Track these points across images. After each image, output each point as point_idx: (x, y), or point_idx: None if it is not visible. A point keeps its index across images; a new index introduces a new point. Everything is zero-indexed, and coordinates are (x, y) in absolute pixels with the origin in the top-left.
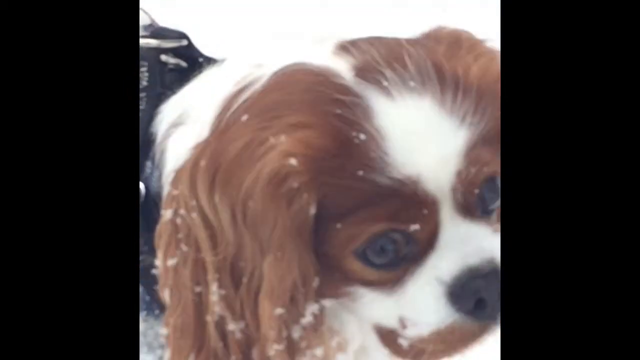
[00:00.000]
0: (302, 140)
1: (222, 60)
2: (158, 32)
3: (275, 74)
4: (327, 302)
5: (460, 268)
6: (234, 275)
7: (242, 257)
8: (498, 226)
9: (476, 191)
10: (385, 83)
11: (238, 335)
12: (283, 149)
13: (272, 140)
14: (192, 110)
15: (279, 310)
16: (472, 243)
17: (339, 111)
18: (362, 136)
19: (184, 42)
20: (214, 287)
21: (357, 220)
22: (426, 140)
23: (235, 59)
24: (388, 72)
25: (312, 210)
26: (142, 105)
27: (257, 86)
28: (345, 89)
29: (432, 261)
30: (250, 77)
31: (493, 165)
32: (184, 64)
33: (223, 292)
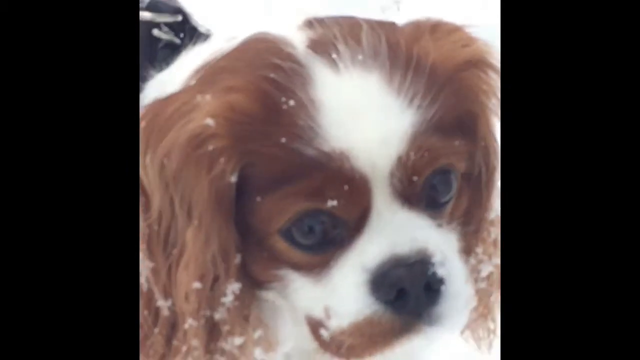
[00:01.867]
0: (226, 103)
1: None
2: (153, 5)
3: (239, 43)
4: (262, 294)
5: (386, 256)
6: (165, 248)
7: (173, 227)
8: (448, 221)
9: (416, 179)
10: (334, 56)
11: (166, 312)
12: (206, 110)
13: (198, 98)
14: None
15: (197, 284)
16: (404, 232)
17: (272, 75)
18: (292, 102)
19: (179, 17)
20: (141, 256)
21: (279, 195)
22: (365, 116)
23: (223, 33)
24: (341, 46)
25: (233, 179)
26: None
27: (218, 55)
28: (288, 56)
29: (359, 247)
30: (220, 50)
31: (445, 156)
32: (177, 40)
33: (152, 264)
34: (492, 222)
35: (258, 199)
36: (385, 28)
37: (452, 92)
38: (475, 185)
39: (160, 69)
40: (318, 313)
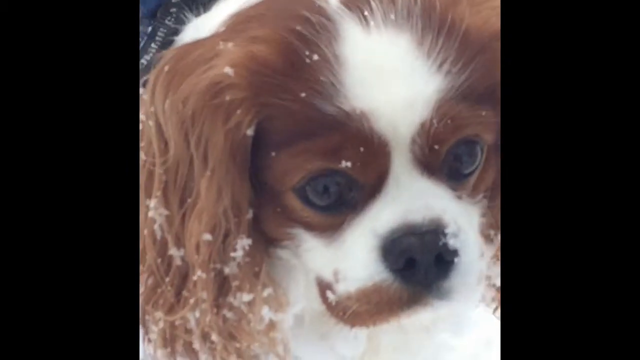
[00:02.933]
0: (248, 52)
1: None
2: None
3: None
4: (275, 252)
5: (399, 223)
6: (181, 196)
7: (189, 174)
8: (470, 194)
9: (437, 148)
10: (366, 12)
11: (178, 262)
12: (227, 59)
13: (221, 46)
14: (194, 30)
15: (207, 236)
16: (420, 200)
17: (299, 28)
18: (315, 57)
19: None
20: (154, 202)
21: (295, 151)
22: (390, 78)
23: None
24: (374, 4)
25: (249, 132)
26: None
27: (251, 3)
28: (318, 9)
29: (373, 211)
30: None
31: (471, 126)
32: None
33: (166, 212)
34: None
35: (273, 153)
36: None
37: (484, 61)
38: None
39: (199, 14)
40: (327, 275)
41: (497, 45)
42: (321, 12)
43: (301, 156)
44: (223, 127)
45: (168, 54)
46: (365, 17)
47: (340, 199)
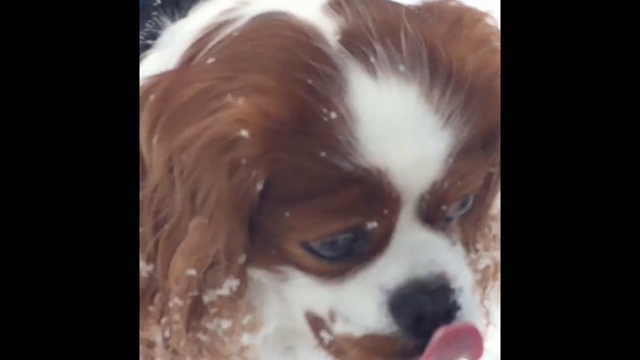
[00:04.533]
0: (260, 107)
1: None
2: None
3: (255, 19)
4: (254, 274)
5: (407, 279)
6: (157, 217)
7: (170, 203)
8: (456, 235)
9: (444, 208)
10: (372, 59)
11: (144, 274)
12: (237, 113)
13: (229, 98)
14: (170, 37)
15: (191, 272)
16: (424, 253)
17: (310, 81)
18: (333, 115)
19: None
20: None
21: (310, 211)
22: (404, 133)
23: None
24: (378, 47)
25: (258, 187)
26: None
27: (234, 28)
28: (323, 57)
29: (379, 264)
30: (232, 13)
31: (474, 183)
32: None
33: (141, 229)
34: (493, 218)
35: (287, 213)
36: (421, 21)
37: (485, 104)
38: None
39: (174, 20)
40: (321, 312)
41: (497, 83)
42: (326, 60)
43: (316, 217)
44: (228, 181)
45: (153, 79)
46: (371, 65)
47: (347, 251)
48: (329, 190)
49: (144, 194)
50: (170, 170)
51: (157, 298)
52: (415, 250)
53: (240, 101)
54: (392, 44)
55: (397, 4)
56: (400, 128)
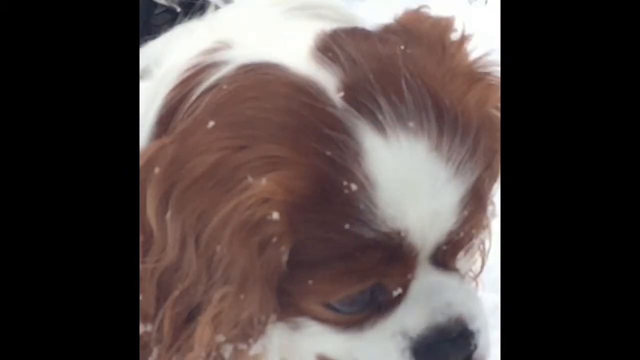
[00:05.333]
0: (283, 184)
1: (212, 9)
2: None
3: (245, 69)
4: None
5: (427, 326)
6: (160, 284)
7: (181, 270)
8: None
9: (460, 254)
10: (379, 116)
11: (141, 333)
12: (261, 193)
13: (249, 179)
14: (157, 65)
15: (221, 338)
16: (440, 298)
17: (328, 153)
18: (354, 186)
19: None
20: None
21: (331, 276)
22: (419, 190)
23: (216, 15)
24: (383, 102)
25: (285, 258)
26: None
27: (222, 77)
28: (333, 121)
29: (398, 311)
30: (215, 55)
31: (483, 228)
32: (176, 7)
33: (140, 296)
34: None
35: (308, 279)
36: (415, 65)
37: (487, 142)
38: None
39: (156, 35)
40: (338, 356)
41: (496, 114)
42: (336, 124)
43: (337, 281)
44: (259, 258)
45: (153, 149)
46: (380, 123)
47: (365, 304)
48: (350, 255)
49: (147, 264)
50: (184, 244)
51: (154, 354)
52: (432, 296)
53: (264, 181)
54: (395, 97)
55: (383, 38)
56: (415, 185)
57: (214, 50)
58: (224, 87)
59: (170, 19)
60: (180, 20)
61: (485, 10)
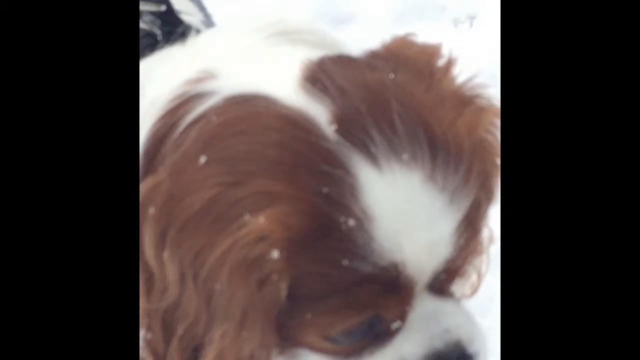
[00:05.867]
0: (281, 221)
1: (193, 35)
2: None
3: (233, 101)
4: None
5: (426, 353)
6: (164, 323)
7: (181, 308)
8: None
9: (457, 281)
10: (373, 149)
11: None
12: (259, 231)
13: (246, 217)
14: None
15: None
16: (438, 323)
17: (326, 190)
18: (351, 222)
19: (163, 8)
20: (141, 332)
21: (330, 309)
22: (415, 221)
23: (198, 40)
24: (376, 135)
25: (284, 294)
26: None
27: (209, 108)
28: (330, 157)
29: (396, 339)
30: (200, 85)
31: (478, 254)
32: (157, 31)
33: (149, 336)
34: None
35: (308, 316)
36: (406, 95)
37: (480, 166)
38: None
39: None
40: None
41: (488, 138)
42: (331, 159)
43: (335, 315)
44: (258, 294)
45: (146, 188)
46: (373, 156)
47: (363, 334)
48: (348, 290)
49: (151, 304)
50: (183, 282)
51: None
52: (430, 323)
53: (261, 219)
54: (388, 129)
55: (371, 65)
56: (411, 217)
57: (199, 80)
58: (213, 119)
59: (151, 44)
60: (162, 46)
61: (471, 33)
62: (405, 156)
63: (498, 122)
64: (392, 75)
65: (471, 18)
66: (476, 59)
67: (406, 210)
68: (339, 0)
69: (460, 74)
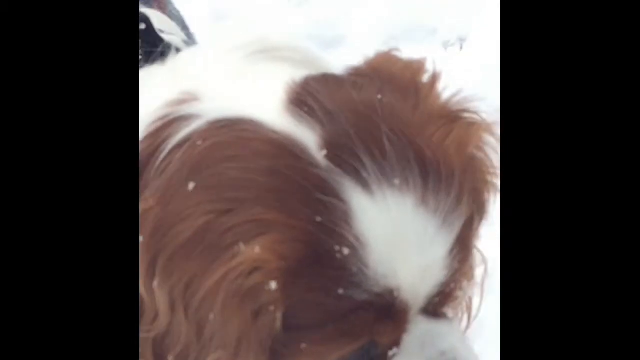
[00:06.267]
0: (275, 250)
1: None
2: None
3: (218, 125)
4: None
5: None
6: (155, 351)
7: (172, 337)
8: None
9: (451, 303)
10: (364, 174)
11: None
12: (253, 261)
13: (239, 246)
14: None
15: None
16: (433, 346)
17: (319, 219)
18: (346, 250)
19: (142, 26)
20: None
21: (325, 337)
22: (408, 247)
23: (178, 60)
24: (367, 161)
25: (279, 323)
26: None
27: (194, 132)
28: (321, 184)
29: None
30: (182, 107)
31: (470, 277)
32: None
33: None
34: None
35: (303, 346)
36: (395, 118)
37: (471, 185)
38: None
39: None
40: None
41: (479, 155)
42: (323, 186)
43: (330, 343)
44: (253, 325)
45: None
46: (365, 182)
47: (360, 359)
48: (342, 318)
49: (142, 333)
50: (174, 311)
51: None
52: (425, 346)
53: (255, 248)
54: (379, 154)
55: (357, 85)
56: (404, 243)
57: (181, 102)
58: (198, 143)
59: None
60: (142, 66)
61: (461, 56)
62: (396, 181)
63: (487, 137)
64: (379, 97)
65: (461, 40)
66: (467, 82)
67: (399, 236)
68: (328, 23)
69: (446, 90)
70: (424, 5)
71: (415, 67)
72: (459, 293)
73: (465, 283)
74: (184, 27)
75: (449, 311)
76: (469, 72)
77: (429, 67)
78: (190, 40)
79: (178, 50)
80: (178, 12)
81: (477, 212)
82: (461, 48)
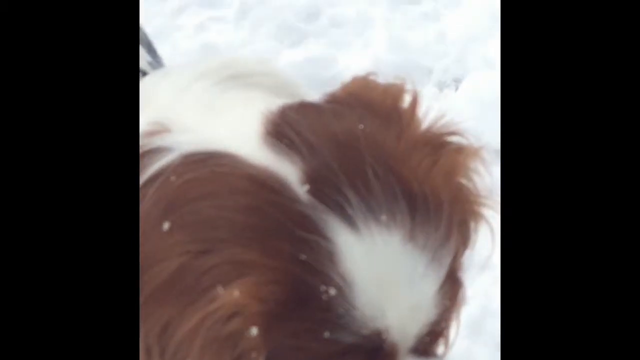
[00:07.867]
0: (254, 295)
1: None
2: None
3: (193, 160)
4: None
5: None
6: None
7: None
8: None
9: (440, 340)
10: (349, 210)
11: None
12: (231, 306)
13: (217, 290)
14: None
15: None
16: None
17: (302, 256)
18: (332, 291)
19: None
20: None
21: None
22: (397, 285)
23: (144, 86)
24: (352, 196)
25: None
26: None
27: (166, 166)
28: (304, 221)
29: None
30: (153, 139)
31: (458, 313)
32: None
33: None
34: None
35: None
36: (379, 149)
37: (459, 216)
38: None
39: None
40: None
41: (465, 181)
42: (306, 224)
43: None
44: None
45: None
46: (350, 218)
47: None
48: None
49: None
50: (149, 356)
51: None
52: None
53: (234, 292)
54: (364, 189)
55: (337, 113)
56: (393, 281)
57: (152, 133)
58: (172, 179)
59: None
60: None
61: (457, 97)
62: (383, 217)
63: (475, 164)
64: (361, 126)
65: (457, 82)
66: (464, 123)
67: (387, 274)
68: (323, 62)
69: (427, 114)
70: (419, 45)
71: (394, 92)
72: (449, 331)
73: (455, 320)
74: (150, 49)
75: (439, 349)
76: (466, 113)
77: (408, 86)
78: (156, 63)
79: (144, 73)
80: (144, 32)
81: (462, 244)
82: (456, 89)
